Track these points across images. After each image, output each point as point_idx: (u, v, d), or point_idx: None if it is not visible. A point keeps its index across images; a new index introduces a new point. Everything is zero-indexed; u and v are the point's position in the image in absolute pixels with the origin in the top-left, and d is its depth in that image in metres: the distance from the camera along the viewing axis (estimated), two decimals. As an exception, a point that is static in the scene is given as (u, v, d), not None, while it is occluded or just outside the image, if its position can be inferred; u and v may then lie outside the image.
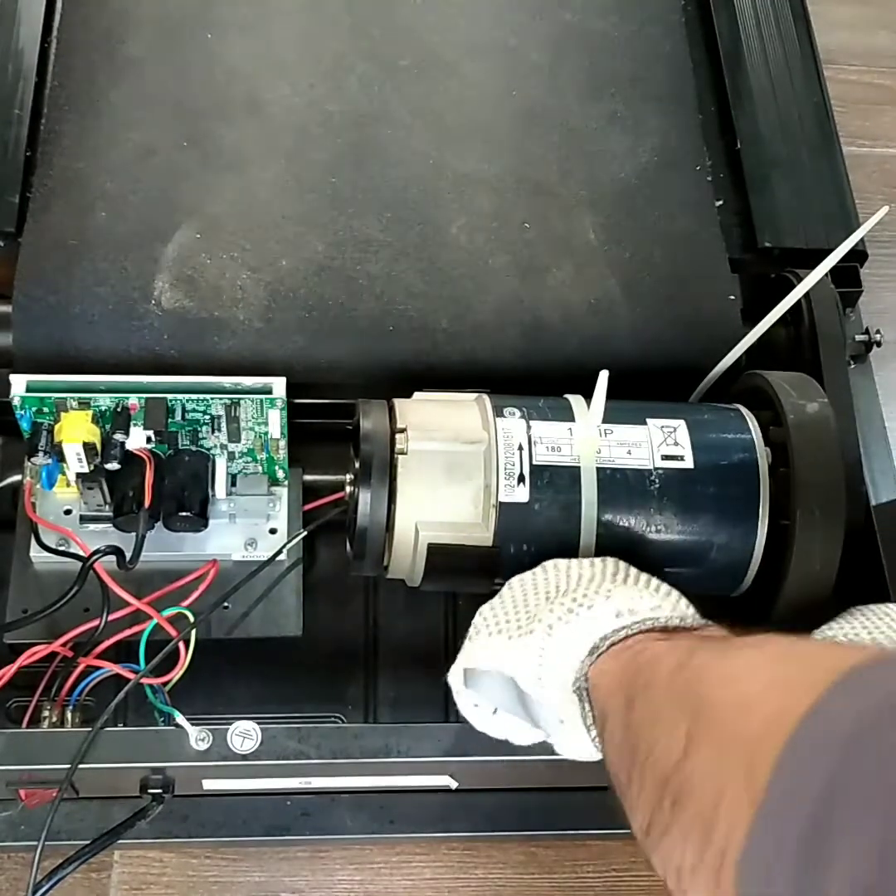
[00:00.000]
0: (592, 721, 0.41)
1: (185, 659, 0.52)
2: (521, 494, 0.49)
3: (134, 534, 0.54)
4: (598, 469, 0.50)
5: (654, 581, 0.45)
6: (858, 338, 0.67)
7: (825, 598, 0.50)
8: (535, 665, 0.42)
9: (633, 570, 0.46)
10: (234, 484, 0.58)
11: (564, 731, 0.43)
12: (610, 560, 0.46)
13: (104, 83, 0.65)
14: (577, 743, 0.43)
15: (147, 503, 0.54)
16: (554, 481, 0.50)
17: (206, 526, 0.56)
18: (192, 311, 0.58)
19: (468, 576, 0.50)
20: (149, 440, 0.55)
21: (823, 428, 0.51)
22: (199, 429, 0.55)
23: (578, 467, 0.50)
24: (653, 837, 0.32)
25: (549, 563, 0.47)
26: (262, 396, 0.54)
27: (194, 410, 0.54)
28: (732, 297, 0.63)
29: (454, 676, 0.46)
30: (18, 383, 0.53)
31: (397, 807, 0.57)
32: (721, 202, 0.67)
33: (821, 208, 0.68)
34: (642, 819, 0.33)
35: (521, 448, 0.50)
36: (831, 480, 0.50)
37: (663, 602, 0.43)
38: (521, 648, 0.43)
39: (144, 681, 0.51)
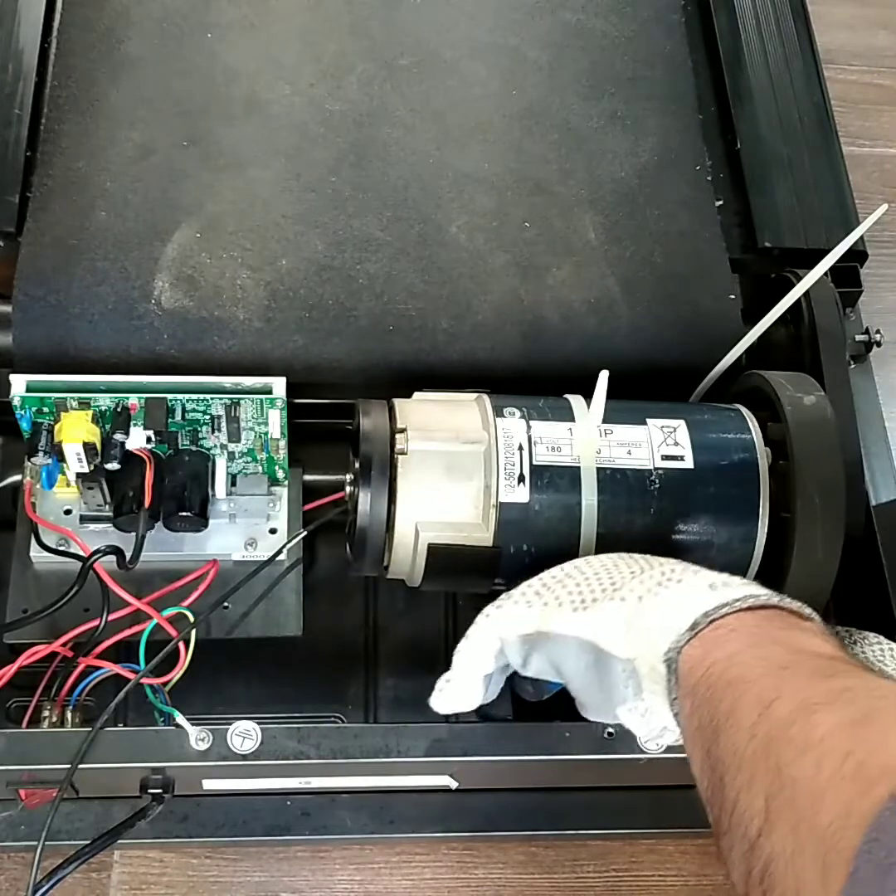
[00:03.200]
0: (676, 694, 0.40)
1: (185, 659, 0.52)
2: (521, 494, 0.49)
3: (134, 534, 0.54)
4: (598, 469, 0.50)
5: None
6: (858, 338, 0.67)
7: (827, 589, 0.50)
8: (623, 632, 0.42)
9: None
10: (234, 484, 0.58)
11: (642, 703, 0.42)
12: (671, 559, 0.46)
13: (104, 83, 0.65)
14: (654, 718, 0.42)
15: (147, 503, 0.54)
16: (554, 481, 0.50)
17: (206, 526, 0.56)
18: (192, 310, 0.58)
19: (468, 576, 0.50)
20: (149, 440, 0.55)
21: (821, 418, 0.51)
22: (199, 429, 0.55)
23: (578, 467, 0.50)
24: None
25: (623, 553, 0.46)
26: (262, 396, 0.54)
27: (194, 410, 0.54)
28: (732, 297, 0.63)
29: (487, 642, 0.45)
30: (18, 383, 0.53)
31: (397, 807, 0.57)
32: (721, 202, 0.67)
33: (821, 208, 0.68)
34: (738, 880, 0.34)
35: (521, 448, 0.50)
36: (830, 469, 0.50)
37: (751, 583, 0.42)
38: (606, 615, 0.42)
39: (144, 681, 0.51)
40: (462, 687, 0.46)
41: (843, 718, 0.33)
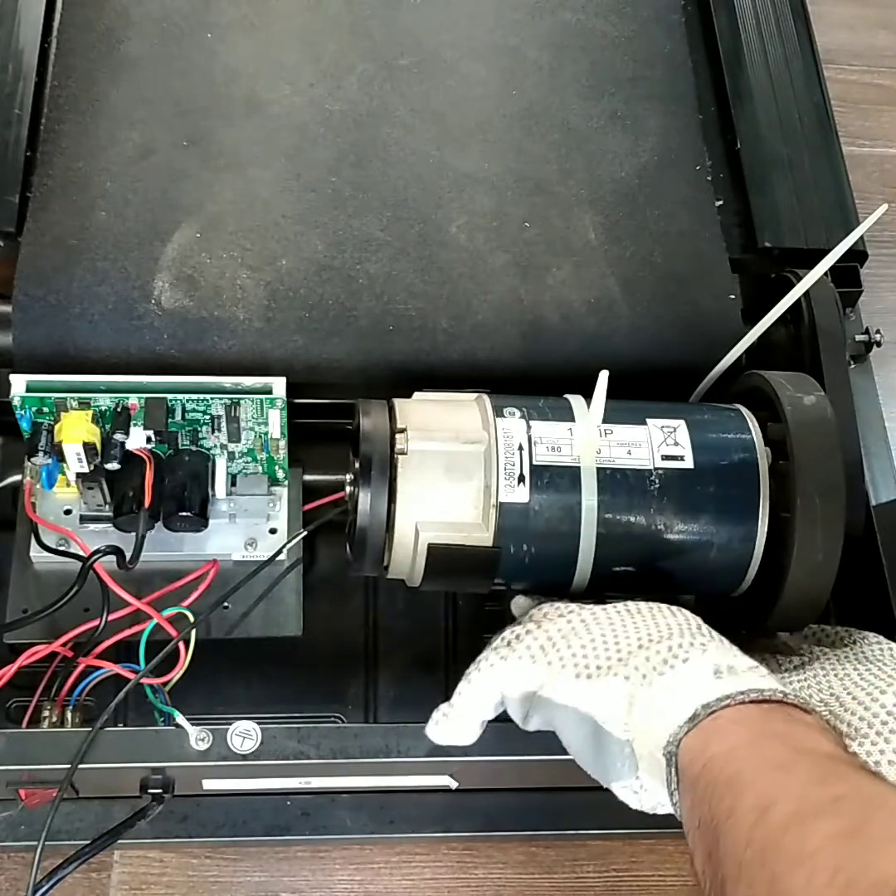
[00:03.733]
0: (676, 786, 0.40)
1: (185, 659, 0.52)
2: (521, 494, 0.49)
3: (134, 534, 0.54)
4: (598, 469, 0.50)
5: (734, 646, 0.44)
6: (858, 338, 0.67)
7: (827, 589, 0.50)
8: (623, 712, 0.42)
9: (706, 627, 0.45)
10: (234, 484, 0.58)
11: (636, 782, 0.42)
12: (681, 611, 0.45)
13: (104, 83, 0.65)
14: (648, 796, 0.42)
15: (147, 503, 0.54)
16: (554, 481, 0.50)
17: (206, 526, 0.56)
18: (192, 310, 0.58)
19: (468, 576, 0.50)
20: (149, 440, 0.55)
21: (821, 418, 0.51)
22: (199, 429, 0.55)
23: (578, 467, 0.50)
24: None
25: (631, 605, 0.46)
26: (262, 396, 0.54)
27: (194, 410, 0.54)
28: (732, 297, 0.63)
29: (488, 692, 0.45)
30: (18, 383, 0.53)
31: (397, 807, 0.57)
32: (721, 202, 0.67)
33: (821, 208, 0.68)
34: None
35: (521, 448, 0.50)
36: (830, 469, 0.50)
37: (757, 667, 0.42)
38: (608, 691, 0.42)
39: (144, 681, 0.51)
40: (460, 724, 0.46)
41: (835, 829, 0.33)
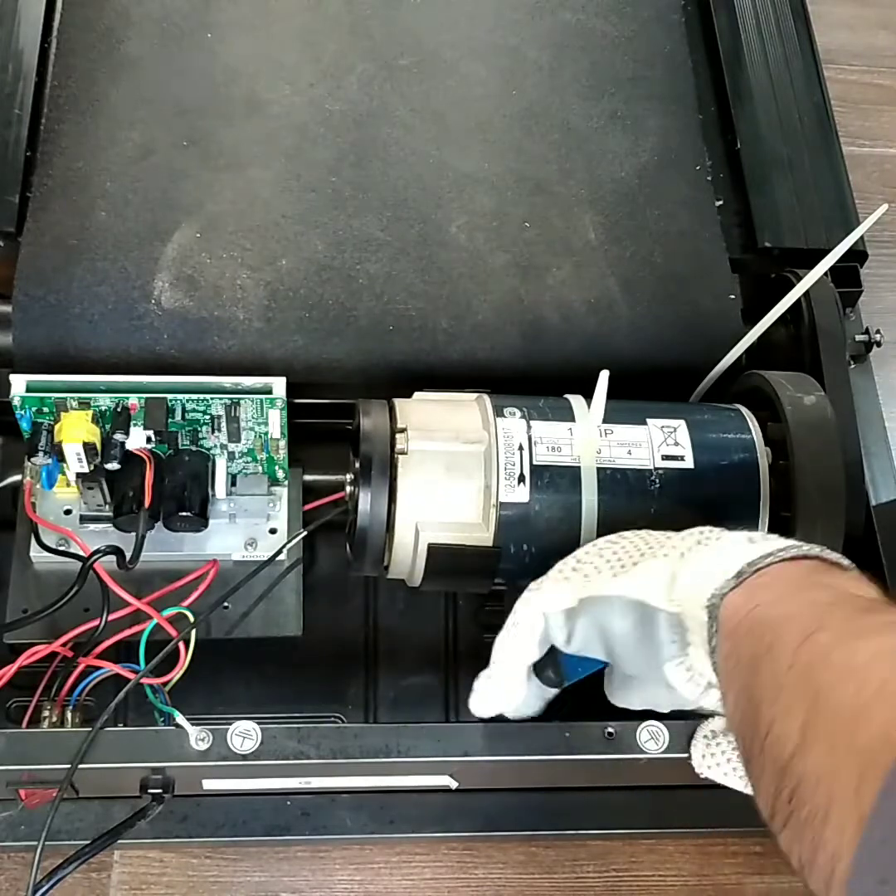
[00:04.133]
0: (715, 634, 0.40)
1: (185, 659, 0.52)
2: (522, 494, 0.49)
3: (134, 534, 0.54)
4: (598, 469, 0.50)
5: None
6: (858, 338, 0.67)
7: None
8: (666, 587, 0.42)
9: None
10: (234, 484, 0.58)
11: (687, 658, 0.42)
12: None
13: (104, 83, 0.65)
14: (699, 674, 0.42)
15: (147, 503, 0.54)
16: (554, 481, 0.50)
17: (206, 526, 0.56)
18: (192, 310, 0.58)
19: (468, 576, 0.50)
20: (149, 440, 0.55)
21: (821, 418, 0.51)
22: (199, 429, 0.55)
23: (579, 467, 0.50)
24: (775, 824, 0.33)
25: (648, 530, 0.46)
26: (262, 396, 0.54)
27: (194, 410, 0.54)
28: (732, 297, 0.63)
29: (529, 624, 0.45)
30: (18, 383, 0.53)
31: (397, 807, 0.57)
32: (721, 202, 0.67)
33: (821, 208, 0.68)
34: (765, 803, 0.34)
35: (521, 448, 0.50)
36: (830, 469, 0.50)
37: (789, 539, 0.42)
38: (649, 572, 0.42)
39: (144, 681, 0.51)
40: (504, 682, 0.45)
41: (884, 647, 0.33)
